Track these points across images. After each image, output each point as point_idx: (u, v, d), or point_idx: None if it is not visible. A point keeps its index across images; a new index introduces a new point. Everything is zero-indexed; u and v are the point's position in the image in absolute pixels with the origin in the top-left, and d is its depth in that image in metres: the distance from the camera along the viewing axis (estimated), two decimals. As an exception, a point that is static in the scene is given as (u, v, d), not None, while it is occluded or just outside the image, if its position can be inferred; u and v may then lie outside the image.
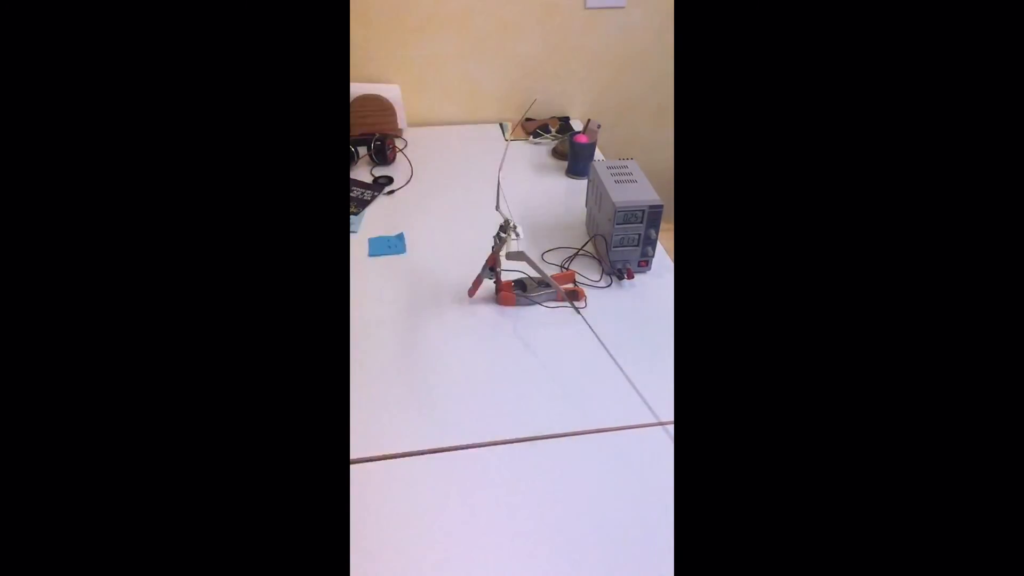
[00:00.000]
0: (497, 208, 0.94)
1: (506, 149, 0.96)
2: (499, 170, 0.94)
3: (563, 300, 1.07)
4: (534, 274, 1.10)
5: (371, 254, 1.20)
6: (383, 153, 1.47)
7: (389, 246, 1.22)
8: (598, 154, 1.56)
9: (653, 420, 0.87)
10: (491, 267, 1.02)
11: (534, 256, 1.19)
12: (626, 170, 1.15)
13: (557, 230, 1.28)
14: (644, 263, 1.14)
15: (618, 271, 1.13)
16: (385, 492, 0.77)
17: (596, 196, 1.17)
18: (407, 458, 0.81)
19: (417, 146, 1.59)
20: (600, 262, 1.18)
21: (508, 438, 0.84)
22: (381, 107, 1.57)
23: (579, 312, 1.04)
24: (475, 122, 1.75)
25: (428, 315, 1.05)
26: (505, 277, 1.05)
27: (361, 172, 1.48)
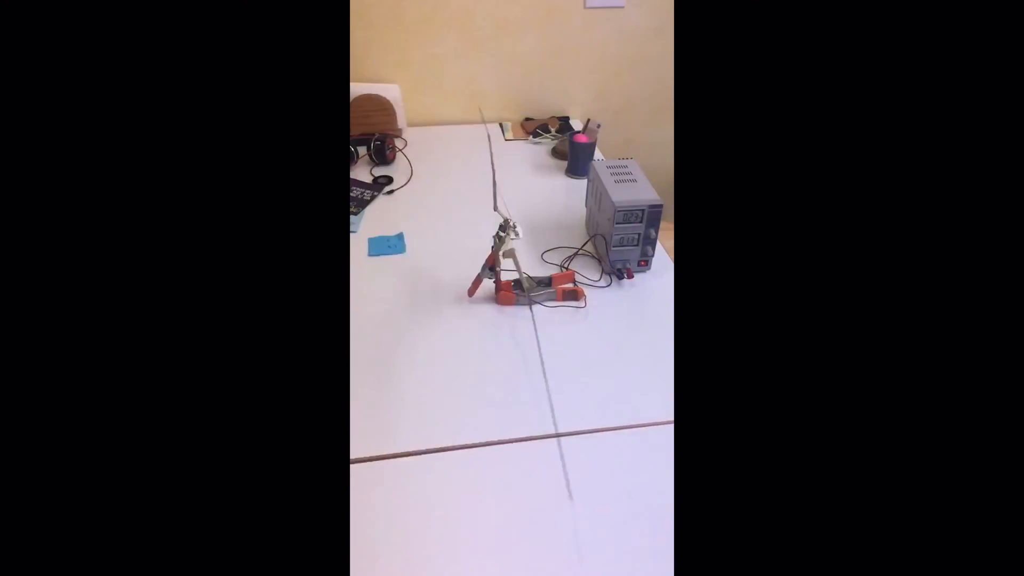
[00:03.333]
0: (495, 208, 0.94)
1: (489, 145, 0.95)
2: (492, 168, 0.94)
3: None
4: (533, 273, 1.10)
5: (371, 254, 1.20)
6: (383, 153, 1.47)
7: (389, 246, 1.22)
8: (598, 154, 1.56)
9: (653, 420, 0.87)
10: (490, 267, 1.02)
11: (534, 255, 1.19)
12: (626, 170, 1.15)
13: (557, 230, 1.28)
14: (644, 263, 1.14)
15: (618, 271, 1.13)
16: (385, 492, 0.77)
17: (596, 196, 1.17)
18: (407, 458, 0.81)
19: (417, 146, 1.59)
20: (600, 262, 1.18)
21: (508, 438, 0.84)
22: (381, 107, 1.57)
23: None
24: (475, 122, 1.75)
25: (428, 315, 1.05)
26: (504, 277, 1.06)
27: (361, 172, 1.48)
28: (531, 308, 1.07)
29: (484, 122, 1.76)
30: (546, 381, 0.92)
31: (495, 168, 0.93)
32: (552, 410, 0.88)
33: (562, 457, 0.80)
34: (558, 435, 0.84)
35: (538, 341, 1.00)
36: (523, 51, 1.65)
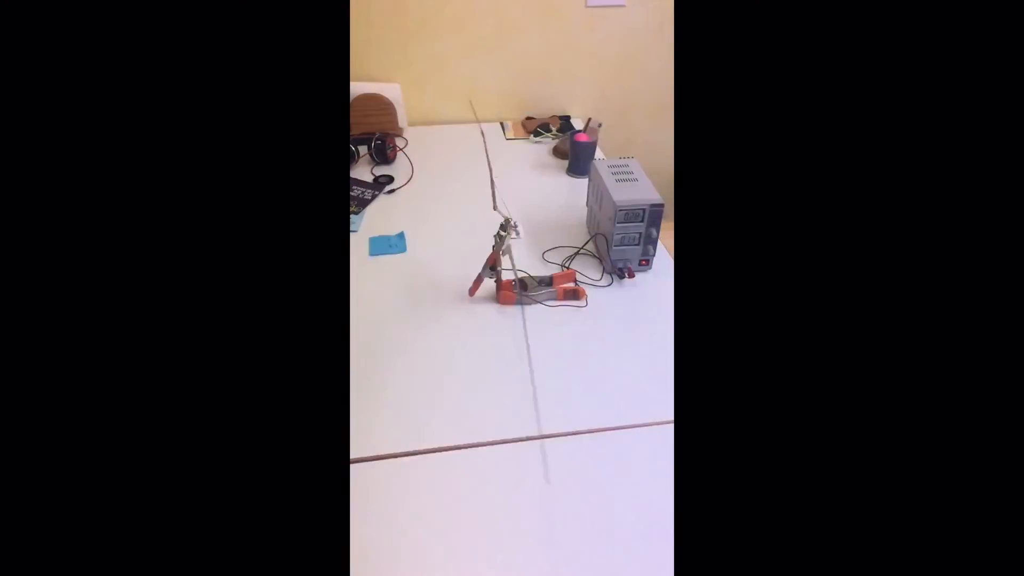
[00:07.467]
0: (495, 207, 0.94)
1: (484, 144, 0.95)
2: (489, 169, 0.94)
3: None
4: (534, 272, 1.10)
5: (371, 253, 1.20)
6: (383, 152, 1.47)
7: (390, 245, 1.22)
8: (599, 153, 1.56)
9: (653, 419, 0.87)
10: (491, 266, 1.02)
11: (535, 255, 1.19)
12: (627, 169, 1.15)
13: (558, 229, 1.28)
14: (645, 262, 1.14)
15: (619, 270, 1.13)
16: (385, 492, 0.77)
17: (597, 195, 1.17)
18: (407, 458, 0.81)
19: (417, 145, 1.59)
20: (601, 261, 1.18)
21: (508, 438, 0.84)
22: (381, 106, 1.57)
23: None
24: (475, 121, 1.75)
25: (428, 314, 1.05)
26: (505, 276, 1.05)
27: (361, 171, 1.48)
28: (526, 308, 1.07)
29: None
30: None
31: (492, 167, 0.93)
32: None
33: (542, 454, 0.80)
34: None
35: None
36: (523, 50, 1.65)
